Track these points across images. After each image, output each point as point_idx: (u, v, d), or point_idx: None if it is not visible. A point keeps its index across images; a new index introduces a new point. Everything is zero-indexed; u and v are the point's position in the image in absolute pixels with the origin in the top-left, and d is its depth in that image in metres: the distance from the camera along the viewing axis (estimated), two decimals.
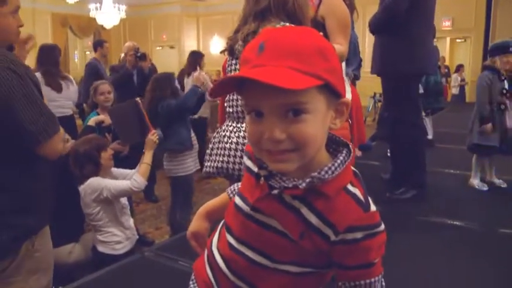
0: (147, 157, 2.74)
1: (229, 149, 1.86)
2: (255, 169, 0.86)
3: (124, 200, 2.68)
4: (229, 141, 1.86)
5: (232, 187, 1.08)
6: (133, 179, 2.61)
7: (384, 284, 0.87)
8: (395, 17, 2.97)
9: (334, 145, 0.86)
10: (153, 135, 2.77)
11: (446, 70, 10.83)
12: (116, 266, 2.34)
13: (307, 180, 0.78)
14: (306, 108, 0.74)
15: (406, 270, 2.13)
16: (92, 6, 11.97)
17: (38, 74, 3.88)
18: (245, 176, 0.92)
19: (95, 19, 12.43)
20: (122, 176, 2.77)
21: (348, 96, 2.31)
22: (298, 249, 0.82)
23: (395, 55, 3.06)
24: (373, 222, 0.80)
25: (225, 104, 1.92)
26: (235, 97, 1.87)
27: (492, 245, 2.57)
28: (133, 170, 2.86)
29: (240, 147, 1.83)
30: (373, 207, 0.82)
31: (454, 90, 11.54)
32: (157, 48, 15.87)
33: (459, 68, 11.45)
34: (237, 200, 0.91)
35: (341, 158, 0.82)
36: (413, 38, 3.02)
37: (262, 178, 0.84)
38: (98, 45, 5.81)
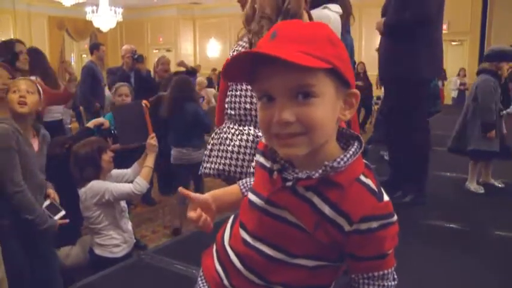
0: (149, 160, 2.72)
1: (232, 151, 1.85)
2: (268, 164, 0.87)
3: (123, 203, 2.67)
4: (232, 144, 1.85)
5: (244, 181, 1.08)
6: (135, 182, 2.59)
7: (396, 276, 0.87)
8: (425, 23, 2.97)
9: (344, 139, 0.87)
10: (152, 139, 2.77)
11: (442, 73, 10.86)
12: (113, 269, 2.34)
13: (321, 170, 0.79)
14: (314, 92, 0.76)
15: (403, 273, 2.13)
16: (88, 9, 11.97)
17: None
18: (257, 173, 0.94)
19: (91, 22, 12.43)
20: (119, 177, 2.76)
21: None
22: (313, 242, 0.83)
23: (416, 59, 3.04)
24: (387, 212, 0.81)
25: (226, 106, 1.91)
26: (237, 99, 1.86)
27: (488, 247, 2.58)
28: (129, 170, 2.85)
29: (242, 150, 1.81)
30: (386, 197, 0.83)
31: (453, 94, 11.57)
32: (154, 51, 15.85)
33: (460, 72, 11.51)
34: (251, 196, 0.92)
35: (353, 149, 0.83)
36: (432, 41, 3.04)
37: (275, 172, 0.85)
38: (94, 48, 5.82)
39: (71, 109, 6.48)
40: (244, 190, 1.06)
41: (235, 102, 1.86)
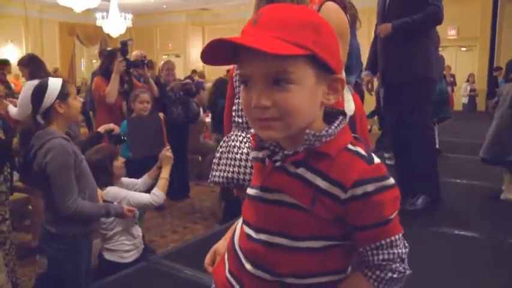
0: (165, 172, 2.76)
1: (240, 159, 1.85)
2: (261, 155, 0.88)
3: (136, 212, 2.69)
4: (240, 151, 1.85)
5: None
6: (153, 193, 2.64)
7: (406, 244, 0.86)
8: (438, 23, 3.03)
9: (331, 118, 0.87)
10: (168, 151, 2.80)
11: (452, 79, 10.81)
12: (122, 274, 2.34)
13: (305, 140, 0.80)
14: (291, 78, 0.77)
15: (416, 280, 2.11)
16: (98, 15, 12.07)
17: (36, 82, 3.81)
18: (254, 168, 0.95)
19: (101, 28, 12.54)
20: (129, 185, 2.78)
21: (351, 104, 2.31)
22: (314, 220, 0.82)
23: (429, 59, 3.08)
24: (380, 174, 0.81)
25: (233, 114, 1.91)
26: None
27: (502, 256, 2.55)
28: (139, 180, 2.86)
29: (251, 157, 1.82)
30: (377, 160, 0.83)
31: (464, 100, 11.50)
32: (163, 56, 15.93)
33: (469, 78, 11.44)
34: (249, 190, 0.93)
35: (337, 122, 0.83)
36: (435, 42, 3.09)
37: (266, 158, 0.86)
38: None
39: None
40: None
41: (242, 110, 1.86)
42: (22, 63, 4.22)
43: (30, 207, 3.85)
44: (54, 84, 2.10)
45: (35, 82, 3.73)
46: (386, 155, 4.87)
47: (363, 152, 0.82)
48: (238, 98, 1.88)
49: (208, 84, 7.70)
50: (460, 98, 11.54)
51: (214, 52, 0.80)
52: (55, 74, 7.29)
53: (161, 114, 3.18)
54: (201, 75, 8.76)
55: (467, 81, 11.51)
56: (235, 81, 1.96)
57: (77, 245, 2.17)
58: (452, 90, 10.60)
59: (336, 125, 0.83)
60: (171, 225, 4.61)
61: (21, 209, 3.90)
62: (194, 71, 10.81)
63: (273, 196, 0.85)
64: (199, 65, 14.96)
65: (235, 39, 0.75)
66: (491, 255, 2.56)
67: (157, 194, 2.64)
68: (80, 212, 2.06)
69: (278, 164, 0.84)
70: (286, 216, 0.84)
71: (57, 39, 14.12)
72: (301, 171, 0.82)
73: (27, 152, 2.11)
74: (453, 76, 11.30)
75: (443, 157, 4.76)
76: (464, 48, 12.37)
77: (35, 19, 13.44)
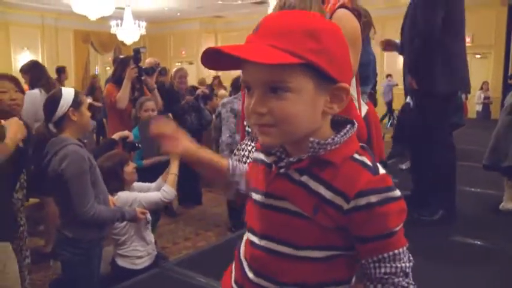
0: (174, 168, 2.73)
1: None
2: (268, 160, 0.88)
3: (147, 215, 2.70)
4: (247, 161, 1.86)
5: (235, 162, 1.10)
6: (163, 190, 2.63)
7: (411, 258, 0.83)
8: (431, 38, 2.88)
9: (340, 127, 0.85)
10: None
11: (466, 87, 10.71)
12: (134, 281, 2.35)
13: (309, 148, 0.80)
14: (287, 87, 0.76)
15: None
16: (113, 22, 12.21)
17: (37, 91, 3.80)
18: (252, 171, 0.95)
19: (115, 35, 12.67)
20: (142, 189, 2.79)
21: (364, 112, 2.29)
22: (316, 229, 0.80)
23: (433, 73, 2.94)
24: (385, 185, 0.79)
25: (245, 123, 1.91)
26: None
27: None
28: (152, 184, 2.87)
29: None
30: (382, 171, 0.81)
31: (478, 107, 11.40)
32: (177, 64, 16.04)
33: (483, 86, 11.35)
34: (254, 195, 0.92)
35: (344, 131, 0.83)
36: (449, 54, 2.92)
37: (272, 163, 0.86)
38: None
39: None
40: (231, 165, 1.07)
41: None
42: (23, 69, 4.26)
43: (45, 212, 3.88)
44: (68, 93, 2.15)
45: (34, 92, 3.78)
46: (403, 166, 4.84)
47: (368, 162, 0.81)
48: None
49: (222, 91, 7.71)
50: (473, 105, 11.44)
51: (218, 58, 0.80)
52: (60, 75, 7.29)
53: (169, 115, 3.19)
54: (202, 82, 8.78)
55: (481, 88, 11.41)
56: None
57: (92, 250, 2.19)
58: (466, 98, 10.51)
59: (342, 133, 0.82)
60: (183, 232, 4.61)
61: (35, 214, 3.93)
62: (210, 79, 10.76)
63: (276, 203, 0.84)
64: (212, 72, 15.07)
65: (225, 49, 0.75)
66: (503, 265, 2.52)
67: (167, 190, 2.62)
68: (97, 216, 2.10)
69: (282, 170, 0.83)
70: (289, 224, 0.83)
71: (72, 46, 14.32)
72: (304, 179, 0.81)
73: (40, 159, 2.14)
74: None
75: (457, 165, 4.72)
76: (478, 56, 12.27)
77: (51, 27, 13.64)
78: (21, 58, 12.01)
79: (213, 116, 5.49)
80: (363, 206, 0.77)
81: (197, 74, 14.75)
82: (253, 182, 0.94)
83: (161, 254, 3.69)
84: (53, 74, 5.34)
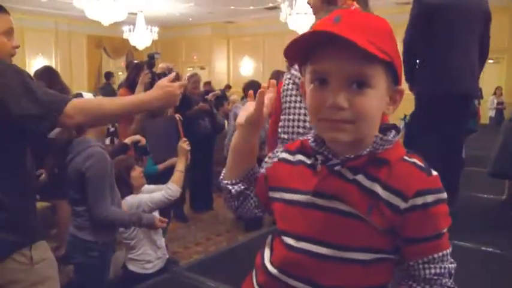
0: (180, 165, 2.72)
1: None
2: (310, 161, 0.87)
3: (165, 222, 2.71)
4: None
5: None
6: (167, 187, 2.61)
7: (453, 260, 0.85)
8: (410, 47, 3.14)
9: (383, 132, 0.87)
10: (184, 143, 2.76)
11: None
12: (144, 285, 2.35)
13: (372, 144, 0.81)
14: (370, 82, 0.77)
15: None
16: (125, 28, 12.29)
17: None
18: (282, 172, 0.92)
19: (128, 40, 12.75)
20: (150, 192, 2.79)
21: None
22: (367, 230, 0.80)
23: (422, 77, 3.20)
24: (439, 186, 0.81)
25: (279, 130, 1.91)
26: (290, 123, 1.85)
27: None
28: (163, 186, 2.88)
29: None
30: (434, 172, 0.82)
31: (491, 113, 11.28)
32: (188, 69, 16.13)
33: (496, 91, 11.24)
34: (288, 196, 0.89)
35: (393, 133, 0.84)
36: (435, 59, 3.14)
37: (319, 164, 0.85)
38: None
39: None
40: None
41: (288, 127, 1.86)
42: (36, 74, 4.30)
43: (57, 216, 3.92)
44: (88, 97, 2.19)
45: None
46: None
47: (420, 163, 0.82)
48: (285, 114, 1.88)
49: (234, 96, 7.72)
50: (487, 111, 11.32)
51: (300, 45, 0.80)
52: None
53: (177, 116, 3.18)
54: (208, 86, 8.86)
55: (494, 93, 11.29)
56: (284, 96, 1.94)
57: (106, 254, 2.21)
58: (479, 103, 10.42)
59: (393, 135, 0.84)
60: (194, 237, 4.62)
61: (47, 218, 3.96)
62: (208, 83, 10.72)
63: (326, 202, 0.83)
64: (223, 77, 15.11)
65: (331, 29, 0.75)
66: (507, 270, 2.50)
67: (171, 188, 2.60)
68: (113, 218, 2.13)
69: (337, 168, 0.82)
70: (338, 225, 0.82)
71: (85, 51, 14.42)
72: (359, 177, 0.81)
73: (60, 161, 2.18)
74: (480, 89, 11.11)
75: (466, 170, 4.68)
76: (491, 61, 12.15)
77: (64, 32, 13.77)
78: (36, 63, 12.13)
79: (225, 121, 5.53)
80: (420, 206, 0.79)
81: (209, 79, 14.83)
82: (284, 182, 0.91)
83: (172, 258, 3.70)
84: (66, 79, 5.38)
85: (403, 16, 3.61)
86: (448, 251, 0.83)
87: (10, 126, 1.45)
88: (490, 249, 2.76)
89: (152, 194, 2.62)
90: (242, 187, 0.98)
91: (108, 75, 8.24)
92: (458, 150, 3.40)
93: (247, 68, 15.65)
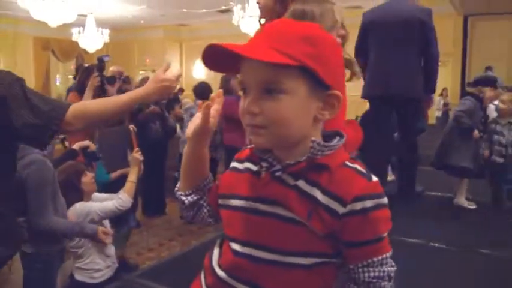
0: (132, 175, 2.69)
1: None
2: (255, 168, 0.89)
3: (107, 225, 2.64)
4: None
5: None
6: (118, 197, 2.57)
7: (393, 263, 0.86)
8: (356, 55, 3.61)
9: (328, 138, 0.88)
10: (137, 153, 2.74)
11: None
12: None
13: (310, 149, 0.81)
14: (282, 88, 0.79)
15: None
16: (74, 30, 11.95)
17: None
18: (232, 179, 0.94)
19: (77, 43, 12.40)
20: (101, 201, 2.72)
21: None
22: (307, 235, 0.81)
23: (365, 81, 3.68)
24: (379, 192, 0.82)
25: None
26: None
27: (472, 266, 2.58)
28: (114, 195, 2.81)
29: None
30: (375, 178, 0.84)
31: (437, 113, 11.70)
32: (141, 72, 15.86)
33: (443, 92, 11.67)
34: (233, 202, 0.91)
35: (335, 140, 0.86)
36: (370, 65, 3.66)
37: (263, 171, 0.86)
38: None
39: None
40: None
41: None
42: None
43: None
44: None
45: None
46: None
47: (361, 168, 0.83)
48: None
49: (186, 99, 7.65)
50: (434, 111, 11.74)
51: (217, 59, 0.82)
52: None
53: (131, 127, 3.14)
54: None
55: (441, 95, 11.74)
56: None
57: (50, 264, 2.13)
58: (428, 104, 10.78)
59: (335, 141, 0.85)
60: (147, 243, 4.55)
61: None
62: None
63: (266, 208, 0.84)
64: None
65: (228, 46, 0.78)
66: (461, 265, 2.59)
67: (123, 198, 2.56)
68: (56, 228, 2.04)
69: (278, 173, 0.83)
70: (278, 230, 0.83)
71: (32, 54, 13.91)
72: (300, 183, 0.82)
73: None
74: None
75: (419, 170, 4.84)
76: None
77: (9, 33, 13.23)
78: None
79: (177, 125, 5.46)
80: (358, 211, 0.80)
81: None
82: (231, 189, 0.93)
83: (132, 263, 3.65)
84: None
85: (353, 19, 3.77)
86: (388, 254, 0.85)
87: (9, 135, 1.41)
88: (437, 245, 2.86)
89: (103, 203, 2.57)
90: (195, 197, 1.01)
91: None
92: (412, 148, 3.67)
93: (200, 71, 15.57)
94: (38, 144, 1.53)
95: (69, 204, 2.48)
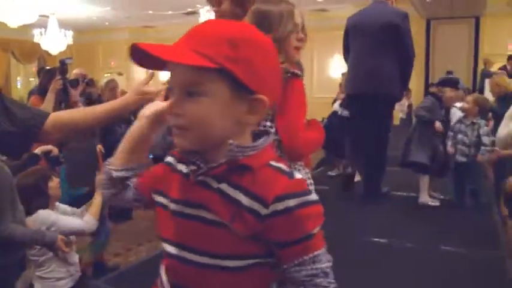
0: (98, 198, 2.64)
1: None
2: (185, 170, 0.87)
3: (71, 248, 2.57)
4: None
5: None
6: (85, 221, 2.54)
7: (330, 258, 0.85)
8: (343, 53, 4.27)
9: (258, 138, 0.87)
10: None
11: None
12: None
13: (228, 151, 0.81)
14: (202, 91, 0.79)
15: None
16: (36, 31, 11.64)
17: None
18: (165, 176, 0.93)
19: (39, 44, 12.07)
20: (66, 214, 2.66)
21: None
22: (232, 238, 0.80)
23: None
24: (302, 189, 0.81)
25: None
26: None
27: (435, 263, 2.64)
28: (77, 210, 2.75)
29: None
30: (298, 176, 0.83)
31: (402, 114, 11.93)
32: (106, 75, 15.58)
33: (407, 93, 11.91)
34: (164, 202, 0.91)
35: (261, 140, 0.85)
36: (349, 66, 4.13)
37: (191, 173, 0.85)
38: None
39: None
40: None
41: None
42: None
43: None
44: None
45: None
46: (332, 173, 5.07)
47: (284, 167, 0.83)
48: None
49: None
50: (398, 112, 11.97)
51: (145, 57, 0.82)
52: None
53: (99, 147, 3.10)
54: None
55: (405, 96, 11.97)
56: None
57: (7, 273, 2.05)
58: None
59: (259, 142, 0.84)
60: (113, 248, 4.45)
61: None
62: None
63: (191, 211, 0.84)
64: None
65: (147, 47, 0.78)
66: (424, 262, 2.64)
67: (90, 221, 2.55)
68: (13, 236, 1.97)
69: (200, 177, 0.83)
70: (204, 233, 0.82)
71: None
72: (222, 186, 0.81)
73: None
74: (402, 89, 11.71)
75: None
76: None
77: None
78: None
79: None
80: (282, 211, 0.78)
81: (127, 84, 14.43)
82: (163, 186, 0.93)
83: (114, 264, 3.57)
84: None
85: (318, 22, 4.00)
86: (320, 251, 0.83)
87: None
88: (401, 244, 2.91)
89: (69, 219, 2.53)
90: (125, 175, 1.01)
91: None
92: (381, 145, 3.83)
93: (166, 73, 15.41)
94: (16, 152, 1.51)
95: (35, 209, 2.42)
